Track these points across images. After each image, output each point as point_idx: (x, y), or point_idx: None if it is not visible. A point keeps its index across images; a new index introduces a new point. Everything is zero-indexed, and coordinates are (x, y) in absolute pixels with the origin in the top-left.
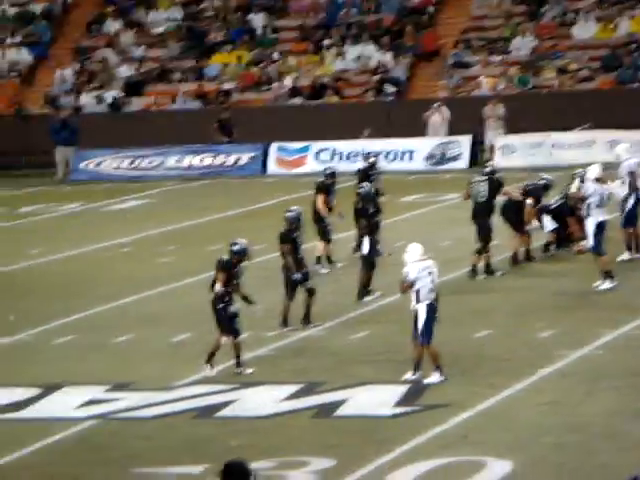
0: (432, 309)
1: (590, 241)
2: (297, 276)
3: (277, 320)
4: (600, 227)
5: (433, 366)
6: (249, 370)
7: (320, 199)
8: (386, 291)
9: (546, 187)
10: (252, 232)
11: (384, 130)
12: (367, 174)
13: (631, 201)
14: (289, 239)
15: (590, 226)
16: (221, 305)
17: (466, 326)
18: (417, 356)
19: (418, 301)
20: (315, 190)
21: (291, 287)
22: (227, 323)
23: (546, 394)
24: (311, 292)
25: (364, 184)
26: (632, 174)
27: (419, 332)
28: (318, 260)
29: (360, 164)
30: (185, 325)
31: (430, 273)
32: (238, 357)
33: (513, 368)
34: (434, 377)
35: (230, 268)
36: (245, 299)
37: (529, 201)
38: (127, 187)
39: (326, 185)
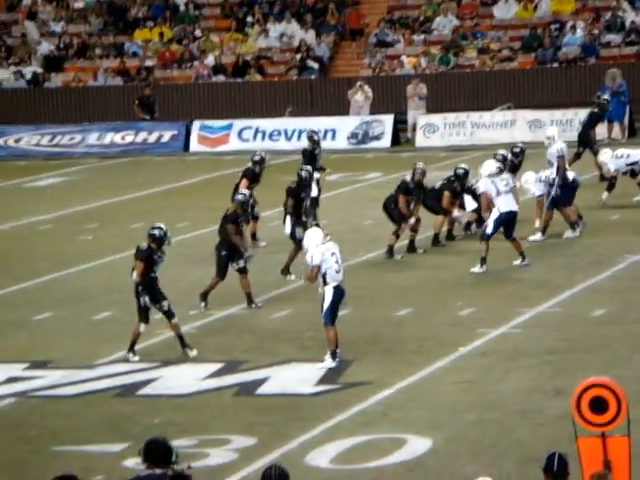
0: (339, 291)
1: (489, 228)
2: (250, 253)
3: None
4: (501, 217)
5: (328, 349)
6: (194, 352)
7: (243, 183)
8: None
9: (465, 175)
10: (174, 210)
11: (307, 109)
12: (313, 154)
13: (558, 183)
14: (235, 220)
15: (492, 215)
16: (137, 293)
17: (387, 304)
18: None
19: (325, 283)
20: (241, 174)
21: (223, 265)
22: (143, 312)
23: (465, 372)
24: (241, 271)
25: (306, 167)
26: (562, 158)
27: (322, 313)
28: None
29: (305, 144)
30: (106, 303)
31: (333, 254)
32: (180, 338)
33: (433, 346)
34: (327, 362)
35: (150, 256)
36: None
37: (446, 192)
38: (47, 164)
39: (253, 172)
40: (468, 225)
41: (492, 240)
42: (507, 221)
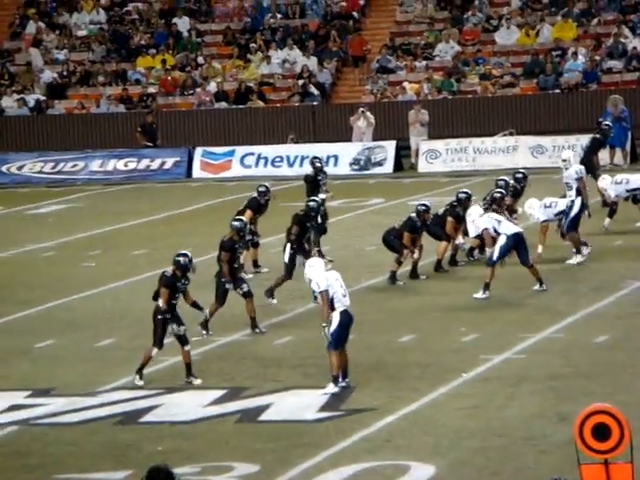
0: (346, 316)
1: (495, 254)
2: (229, 285)
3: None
4: (509, 241)
5: (330, 375)
6: (198, 381)
7: (248, 214)
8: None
9: (468, 199)
10: (177, 236)
11: (309, 135)
12: (316, 180)
13: (577, 206)
14: (231, 248)
15: (499, 241)
16: (160, 317)
17: (390, 330)
18: (341, 363)
19: (333, 309)
20: (246, 204)
21: (222, 293)
22: (161, 336)
23: (469, 398)
24: (246, 295)
25: (318, 198)
26: (580, 179)
27: (328, 337)
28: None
29: (308, 170)
30: (109, 330)
31: (337, 279)
32: (188, 366)
33: (437, 372)
34: (329, 387)
35: (174, 283)
36: (194, 305)
37: (450, 218)
38: (50, 191)
39: (258, 203)
40: (471, 251)
41: (496, 265)
42: (516, 244)
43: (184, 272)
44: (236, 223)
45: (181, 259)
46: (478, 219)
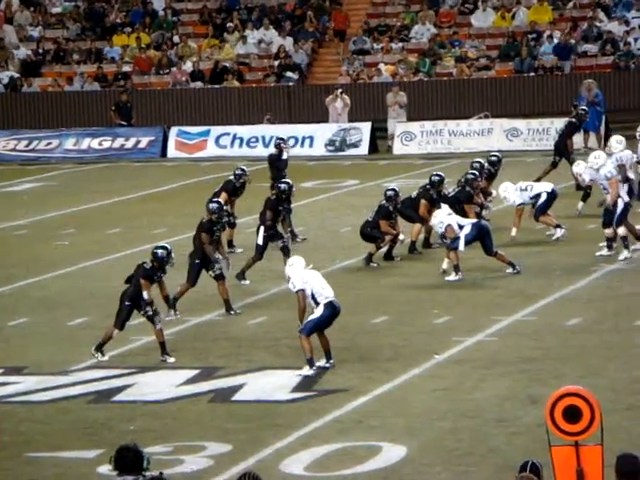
0: (330, 307)
1: (460, 243)
2: (216, 269)
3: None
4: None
5: (304, 357)
6: (172, 359)
7: (223, 196)
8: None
9: (441, 182)
10: (151, 216)
11: (285, 115)
12: (280, 159)
13: (624, 194)
14: (210, 229)
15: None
16: (127, 304)
17: (363, 312)
18: (322, 345)
19: (317, 303)
20: (222, 185)
21: (194, 273)
22: (124, 319)
23: (441, 380)
24: (218, 277)
25: (286, 181)
26: (622, 167)
27: (303, 321)
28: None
29: (271, 150)
30: (82, 309)
31: (314, 276)
32: (162, 344)
33: (409, 354)
34: (304, 369)
35: (152, 276)
36: (166, 299)
37: (423, 201)
38: (23, 169)
39: (233, 186)
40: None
41: (469, 248)
42: (481, 235)
43: (161, 264)
44: (212, 205)
45: (159, 252)
46: (442, 216)
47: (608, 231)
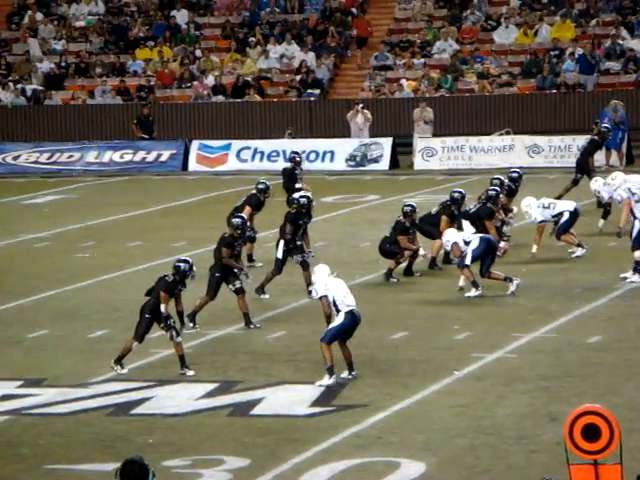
0: (350, 316)
1: (467, 259)
2: (237, 283)
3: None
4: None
5: (325, 367)
6: (190, 372)
7: (247, 210)
8: (304, 290)
9: (462, 198)
10: (171, 229)
11: (306, 130)
12: (293, 174)
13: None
14: (231, 244)
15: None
16: (148, 317)
17: (383, 327)
18: (345, 357)
19: (338, 310)
20: (245, 200)
21: (214, 286)
22: (143, 333)
23: (460, 396)
24: (238, 292)
25: (306, 195)
26: (622, 202)
27: (325, 330)
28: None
29: (286, 164)
30: (101, 321)
31: (338, 284)
32: (182, 358)
33: (428, 370)
34: (324, 379)
35: (173, 289)
36: (180, 315)
37: (444, 217)
38: (45, 182)
39: (257, 200)
40: (434, 260)
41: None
42: (488, 251)
43: (182, 278)
44: (235, 220)
45: (181, 265)
46: (449, 234)
47: (637, 254)
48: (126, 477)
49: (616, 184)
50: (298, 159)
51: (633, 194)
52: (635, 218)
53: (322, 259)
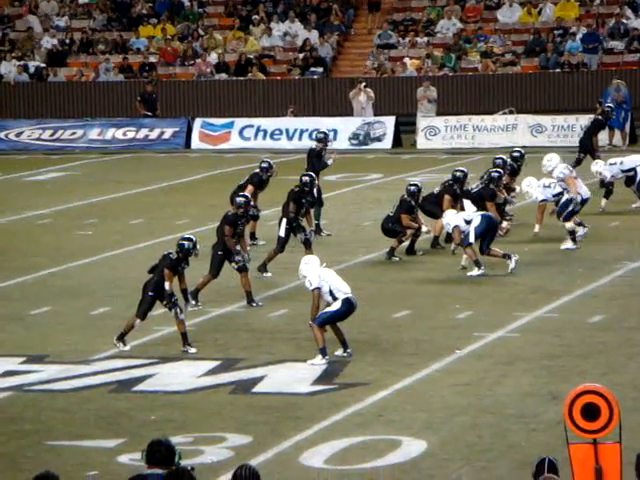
0: (347, 304)
1: (470, 237)
2: (239, 260)
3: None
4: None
5: (318, 347)
6: (193, 350)
7: (249, 189)
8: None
9: (464, 177)
10: (174, 207)
11: (309, 108)
12: (320, 155)
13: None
14: (234, 222)
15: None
16: (151, 294)
17: (385, 306)
18: (337, 335)
19: (335, 298)
20: (248, 178)
21: (217, 264)
22: (146, 310)
23: (462, 375)
24: (241, 269)
25: (309, 173)
26: (563, 180)
27: (318, 312)
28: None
29: (311, 144)
30: (104, 299)
31: (331, 273)
32: (184, 335)
33: (430, 349)
34: (316, 359)
35: (176, 267)
36: (184, 292)
37: (447, 196)
38: (48, 159)
39: (260, 179)
40: (436, 239)
41: (492, 243)
42: (489, 228)
43: (186, 256)
44: (239, 199)
45: (185, 243)
46: (449, 216)
47: (569, 225)
48: (152, 458)
49: (552, 165)
50: (327, 140)
51: (571, 171)
52: (578, 194)
53: (324, 237)
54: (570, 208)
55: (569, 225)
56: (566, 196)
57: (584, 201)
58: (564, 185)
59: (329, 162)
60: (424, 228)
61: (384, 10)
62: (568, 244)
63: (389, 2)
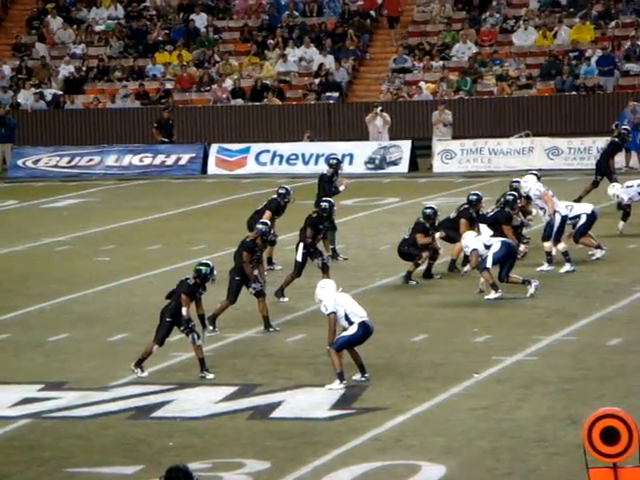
0: (364, 327)
1: (488, 262)
2: (256, 286)
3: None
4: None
5: (335, 372)
6: (211, 375)
7: (267, 215)
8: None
9: (479, 201)
10: (191, 232)
11: (325, 133)
12: (331, 180)
13: (557, 220)
14: (252, 249)
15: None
16: (169, 320)
17: (402, 330)
18: (354, 360)
19: (351, 322)
20: (266, 204)
21: (234, 289)
22: (163, 335)
23: (481, 399)
24: (258, 295)
25: (328, 199)
26: (540, 197)
27: (336, 336)
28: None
29: (324, 169)
30: (122, 325)
31: (346, 298)
32: (202, 361)
33: (449, 373)
34: (334, 384)
35: (194, 292)
36: (201, 318)
37: (463, 220)
38: (65, 185)
39: (277, 205)
40: (453, 263)
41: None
42: (508, 255)
43: (203, 281)
44: (260, 226)
45: (202, 268)
46: (469, 239)
47: (547, 244)
48: None
49: (529, 186)
50: (338, 165)
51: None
52: (556, 212)
53: (341, 261)
54: (555, 229)
55: (561, 246)
56: (545, 218)
57: (591, 217)
58: (541, 204)
59: (341, 188)
60: (441, 250)
61: (399, 32)
62: (567, 267)
63: (406, 20)
